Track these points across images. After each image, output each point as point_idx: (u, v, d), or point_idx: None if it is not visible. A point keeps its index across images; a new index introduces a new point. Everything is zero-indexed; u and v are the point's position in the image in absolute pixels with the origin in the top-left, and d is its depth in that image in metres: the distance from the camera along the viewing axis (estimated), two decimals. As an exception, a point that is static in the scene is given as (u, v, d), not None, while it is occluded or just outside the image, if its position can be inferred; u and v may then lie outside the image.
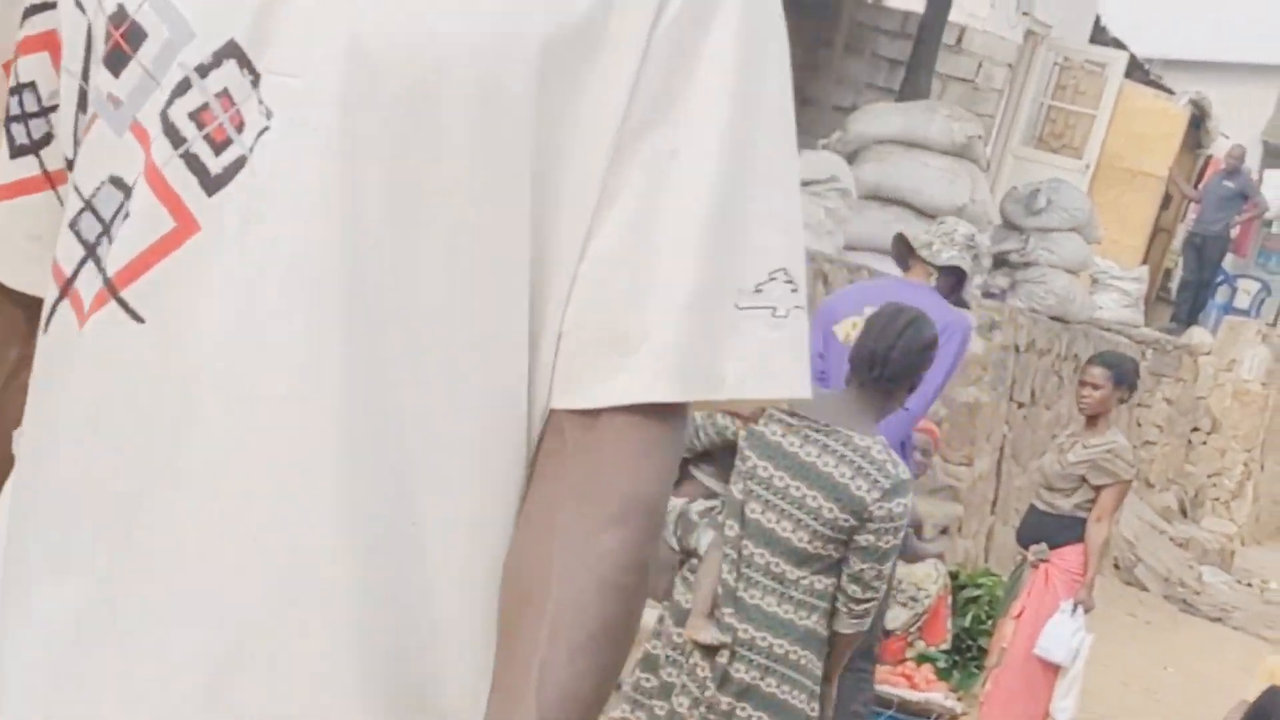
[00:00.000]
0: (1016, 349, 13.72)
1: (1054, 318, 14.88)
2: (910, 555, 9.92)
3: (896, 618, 10.06)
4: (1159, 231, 22.62)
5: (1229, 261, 25.19)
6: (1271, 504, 22.19)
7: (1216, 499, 22.51)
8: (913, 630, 10.08)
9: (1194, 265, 21.89)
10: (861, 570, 5.38)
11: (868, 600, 5.44)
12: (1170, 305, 22.76)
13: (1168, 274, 23.84)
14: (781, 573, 5.39)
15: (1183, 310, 21.80)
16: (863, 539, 5.34)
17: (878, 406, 5.60)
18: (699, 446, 6.28)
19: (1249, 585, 19.57)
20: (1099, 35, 23.40)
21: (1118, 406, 9.27)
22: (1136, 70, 22.95)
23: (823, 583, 5.40)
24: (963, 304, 7.78)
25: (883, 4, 21.68)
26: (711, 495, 6.25)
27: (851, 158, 13.43)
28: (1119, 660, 13.26)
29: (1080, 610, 9.18)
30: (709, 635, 5.45)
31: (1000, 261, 15.04)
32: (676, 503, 6.21)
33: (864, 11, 19.52)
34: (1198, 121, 22.34)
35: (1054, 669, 9.24)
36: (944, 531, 12.28)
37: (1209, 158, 23.51)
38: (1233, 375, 22.64)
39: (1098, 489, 9.04)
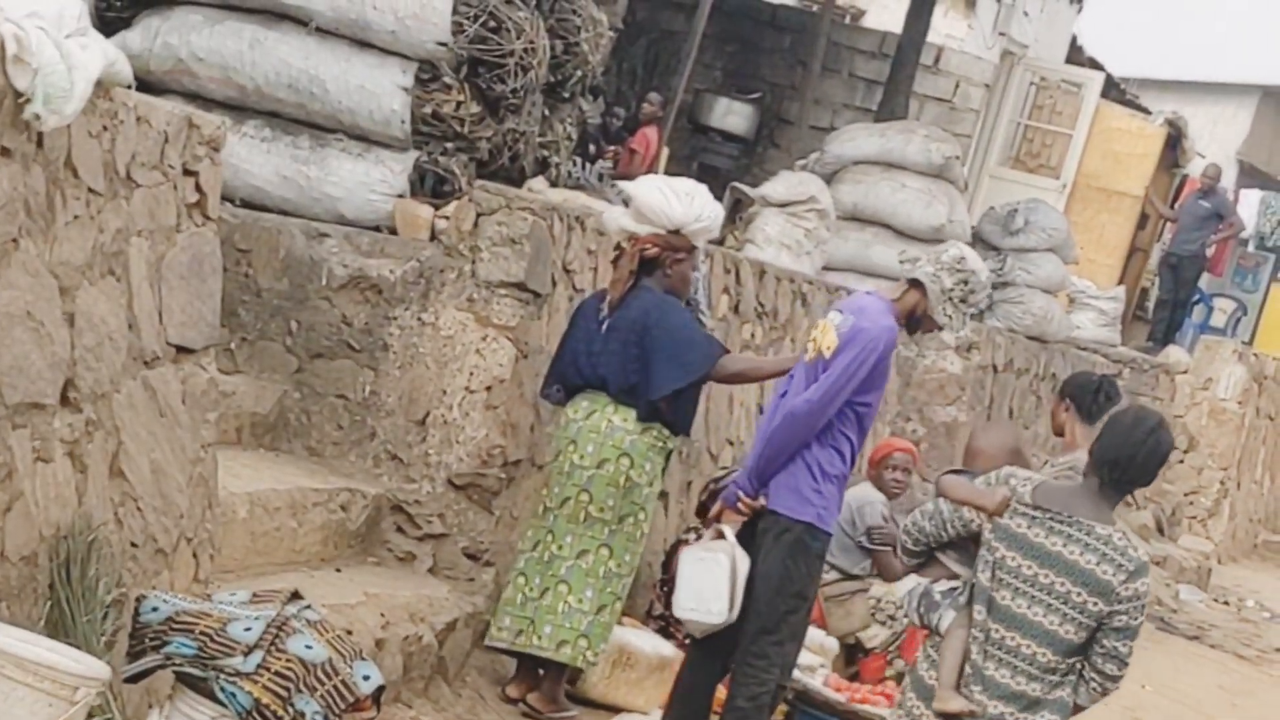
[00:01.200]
0: (994, 368, 13.77)
1: (1031, 337, 14.93)
2: (891, 574, 9.96)
3: (876, 636, 10.09)
4: (1135, 251, 22.67)
5: (1205, 281, 25.25)
6: (1248, 522, 22.23)
7: (1193, 517, 22.54)
8: (892, 649, 10.10)
9: (1170, 285, 21.95)
10: (1115, 647, 5.93)
11: (1120, 675, 6.08)
12: (1147, 324, 22.82)
13: (1144, 293, 23.89)
14: (1031, 654, 5.88)
15: (1159, 329, 21.86)
16: (1117, 620, 5.86)
17: (1113, 501, 6.01)
18: (945, 537, 6.51)
19: (1226, 603, 19.61)
20: (1075, 55, 23.48)
21: (1083, 425, 9.21)
22: (1113, 90, 23.03)
23: (1068, 662, 5.93)
24: (933, 325, 7.73)
25: (860, 25, 21.77)
26: (953, 577, 6.52)
27: (830, 179, 13.47)
28: (1097, 679, 13.28)
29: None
30: (958, 704, 5.88)
31: (978, 281, 15.09)
32: (921, 582, 6.72)
33: (841, 32, 19.59)
34: (1174, 141, 22.40)
35: None
36: (923, 551, 12.31)
37: (1185, 177, 23.57)
38: (1209, 394, 22.69)
39: None
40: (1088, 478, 6.02)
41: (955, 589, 6.45)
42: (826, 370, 7.30)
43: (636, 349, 7.59)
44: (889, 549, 10.23)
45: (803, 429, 7.31)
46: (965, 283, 7.65)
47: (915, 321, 7.60)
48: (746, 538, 7.38)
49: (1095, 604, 5.81)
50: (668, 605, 8.91)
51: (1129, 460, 5.89)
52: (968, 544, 6.34)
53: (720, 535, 7.39)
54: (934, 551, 6.69)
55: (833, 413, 7.36)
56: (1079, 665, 5.97)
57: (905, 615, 10.05)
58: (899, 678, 9.99)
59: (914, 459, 10.97)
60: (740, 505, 7.31)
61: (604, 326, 7.61)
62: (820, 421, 7.35)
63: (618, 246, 7.78)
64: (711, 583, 7.32)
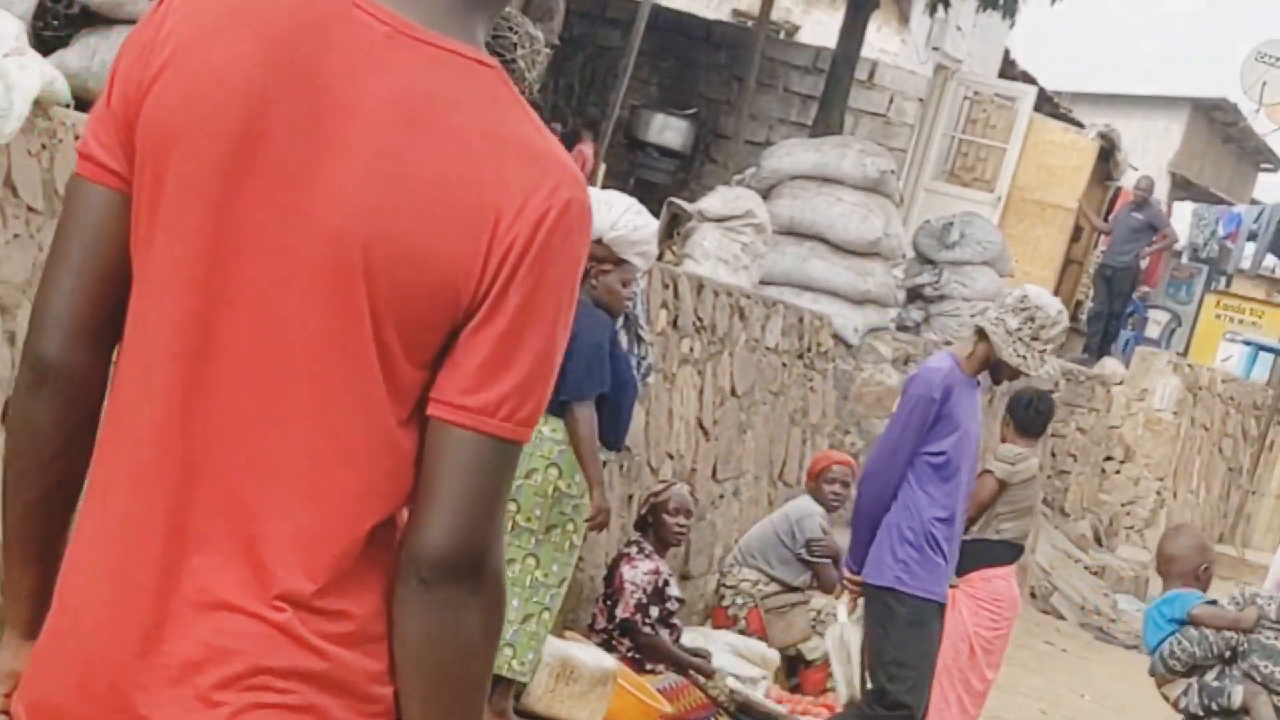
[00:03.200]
0: (931, 381, 13.83)
1: (968, 350, 14.99)
2: (829, 585, 10.01)
3: (817, 648, 10.12)
4: (1070, 263, 22.81)
5: (1139, 292, 25.42)
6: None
7: (1130, 527, 22.68)
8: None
9: (1105, 296, 22.09)
10: None
11: None
12: (1082, 336, 22.96)
13: (1079, 305, 24.03)
14: None
15: (1094, 341, 22.01)
16: None
17: None
18: (1211, 657, 8.24)
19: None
20: (1008, 69, 23.63)
21: (1018, 435, 9.39)
22: (1046, 104, 23.17)
23: None
24: (1003, 367, 7.77)
25: (795, 40, 21.85)
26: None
27: (766, 193, 13.53)
28: (1036, 688, 13.36)
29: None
30: None
31: (914, 295, 15.16)
32: (1190, 682, 8.26)
33: (776, 48, 19.65)
34: (1107, 154, 22.56)
35: (956, 687, 9.32)
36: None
37: (1118, 190, 23.73)
38: (1145, 405, 22.84)
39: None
40: None
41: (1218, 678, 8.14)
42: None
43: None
44: (829, 561, 10.30)
45: (874, 494, 7.42)
46: (1032, 319, 7.65)
47: (995, 370, 7.68)
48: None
49: None
50: (610, 619, 8.94)
51: None
52: None
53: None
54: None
55: (899, 470, 7.43)
56: None
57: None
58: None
59: (853, 471, 11.03)
60: (848, 582, 7.58)
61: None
62: (888, 482, 7.43)
63: None
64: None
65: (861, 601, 7.66)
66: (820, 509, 10.16)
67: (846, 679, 8.14)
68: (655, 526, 9.20)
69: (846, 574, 7.56)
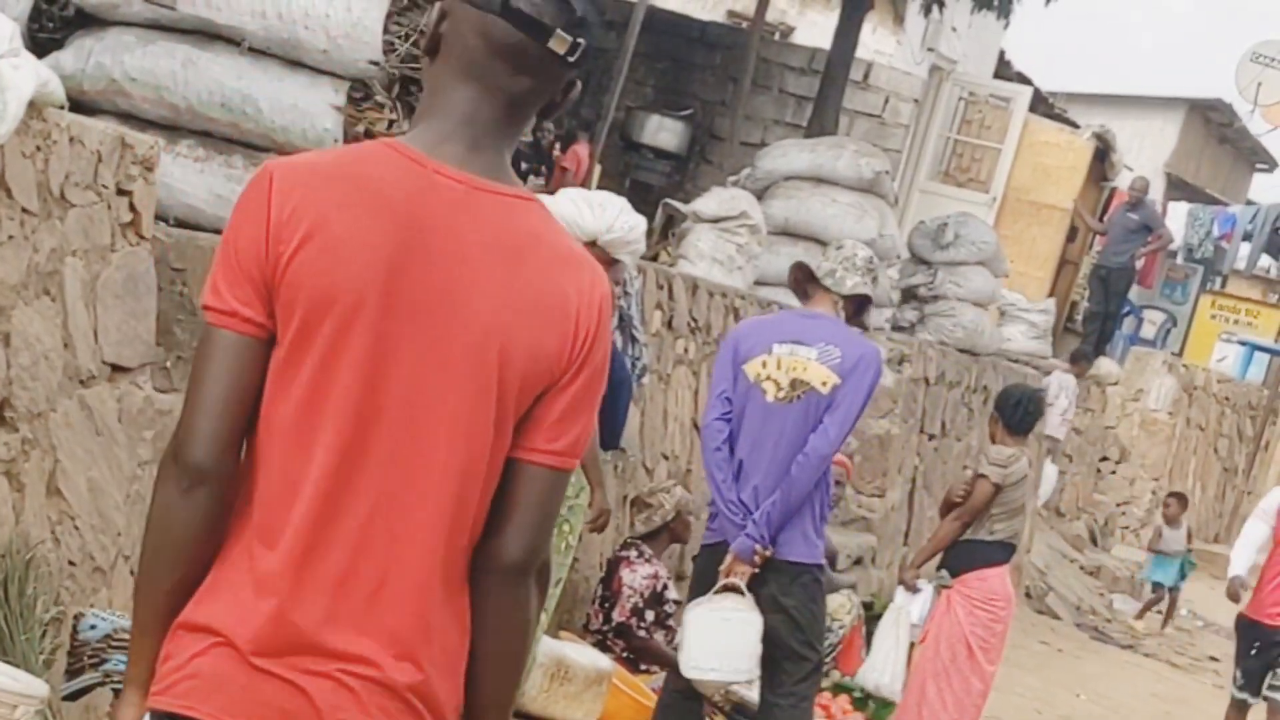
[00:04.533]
0: (926, 381, 13.85)
1: (963, 350, 15.02)
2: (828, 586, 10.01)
3: (813, 649, 10.15)
4: (1065, 264, 22.82)
5: (1135, 293, 25.44)
6: (1147, 544, 22.39)
7: (1126, 527, 22.73)
8: (828, 660, 10.15)
9: (1100, 297, 22.10)
10: None
11: None
12: (1077, 337, 22.97)
13: (1074, 306, 24.04)
14: None
15: (1090, 341, 22.03)
16: None
17: None
18: None
19: (1158, 613, 19.76)
20: (1003, 70, 23.64)
21: (1003, 433, 9.41)
22: (1041, 104, 23.19)
23: None
24: (864, 328, 7.84)
25: (789, 41, 21.87)
26: None
27: (761, 194, 13.53)
28: (1031, 688, 13.38)
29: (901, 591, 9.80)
30: None
31: (909, 295, 15.17)
32: None
33: (771, 49, 19.67)
34: (1102, 154, 22.57)
35: (954, 688, 9.36)
36: (858, 562, 12.37)
37: (1114, 190, 23.74)
38: (1140, 405, 22.89)
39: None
40: None
41: None
42: (834, 407, 7.31)
43: None
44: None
45: (819, 471, 7.36)
46: (877, 279, 7.74)
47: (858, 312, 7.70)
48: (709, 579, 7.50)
49: None
50: (606, 620, 8.95)
51: None
52: None
53: (735, 590, 7.39)
54: None
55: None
56: None
57: (840, 627, 10.15)
58: (835, 689, 10.05)
59: (847, 472, 11.05)
60: (756, 559, 7.33)
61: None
62: (830, 461, 7.43)
63: None
64: (742, 642, 7.37)
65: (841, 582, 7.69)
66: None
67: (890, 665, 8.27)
68: (678, 531, 9.26)
69: (759, 550, 7.39)
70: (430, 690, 2.85)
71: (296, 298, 2.76)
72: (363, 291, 2.76)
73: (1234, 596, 11.29)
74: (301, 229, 2.76)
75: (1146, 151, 32.37)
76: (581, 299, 2.88)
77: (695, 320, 10.63)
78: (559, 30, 2.86)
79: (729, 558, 7.36)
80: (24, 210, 5.09)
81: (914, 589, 9.59)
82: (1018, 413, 9.38)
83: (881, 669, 9.69)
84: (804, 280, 7.66)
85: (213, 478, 2.79)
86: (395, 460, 2.82)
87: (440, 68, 2.91)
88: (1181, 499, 19.42)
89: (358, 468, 2.81)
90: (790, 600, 7.43)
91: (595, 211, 7.40)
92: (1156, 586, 18.92)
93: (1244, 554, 11.38)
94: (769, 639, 7.39)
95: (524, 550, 2.88)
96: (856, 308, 7.62)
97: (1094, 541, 21.64)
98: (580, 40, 2.88)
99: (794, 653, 7.49)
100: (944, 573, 9.42)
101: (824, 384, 7.26)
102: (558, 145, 16.61)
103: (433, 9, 2.91)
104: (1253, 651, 10.99)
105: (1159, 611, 18.84)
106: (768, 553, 7.29)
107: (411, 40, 8.47)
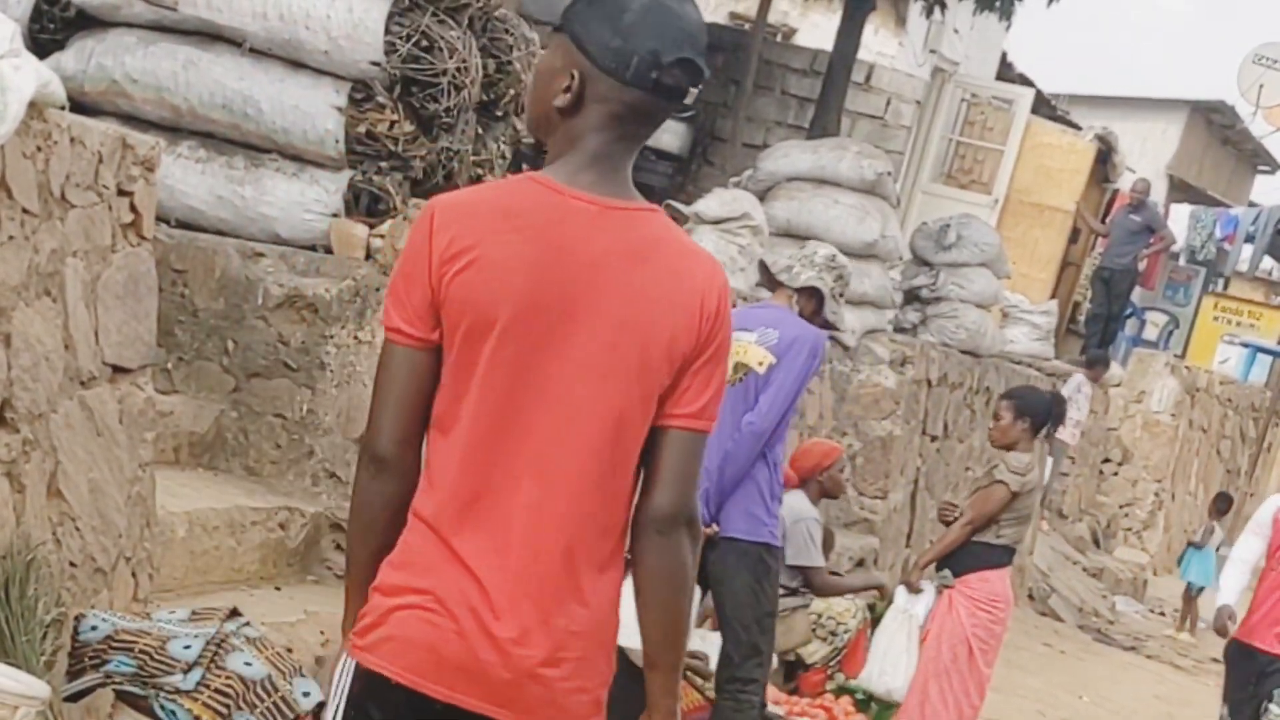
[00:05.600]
0: (928, 383, 13.83)
1: (965, 352, 15.00)
2: (829, 589, 9.98)
3: (816, 652, 10.13)
4: (1067, 265, 22.81)
5: (1137, 294, 25.42)
6: (1182, 533, 22.40)
7: (1128, 529, 22.70)
8: (832, 664, 10.15)
9: (1103, 298, 22.06)
10: None
11: None
12: (1080, 338, 22.95)
13: (1077, 307, 24.03)
14: None
15: (1092, 343, 21.99)
16: None
17: None
18: None
19: (1161, 614, 19.76)
20: (1006, 72, 23.63)
21: (1028, 438, 9.38)
22: (1043, 106, 23.18)
23: None
24: (827, 325, 7.85)
25: (792, 43, 21.85)
26: None
27: (763, 195, 13.51)
28: (1034, 690, 13.37)
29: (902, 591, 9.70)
30: None
31: (911, 297, 15.15)
32: None
33: (773, 50, 19.67)
34: (1104, 156, 22.56)
35: (955, 688, 9.35)
36: (860, 564, 12.36)
37: (1116, 192, 23.72)
38: (1142, 407, 22.87)
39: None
40: None
41: None
42: (768, 385, 7.37)
43: None
44: (820, 568, 10.31)
45: (756, 447, 7.38)
46: (841, 277, 7.79)
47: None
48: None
49: None
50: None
51: None
52: None
53: None
54: None
55: (776, 427, 7.46)
56: None
57: (845, 630, 10.13)
58: (839, 692, 10.04)
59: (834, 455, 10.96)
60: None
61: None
62: (767, 438, 7.43)
63: None
64: None
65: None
66: (813, 511, 10.10)
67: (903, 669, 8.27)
68: None
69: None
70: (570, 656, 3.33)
71: (460, 314, 3.25)
72: (515, 303, 3.24)
73: (1222, 630, 9.70)
74: (460, 256, 3.25)
75: (1149, 153, 32.36)
76: (705, 286, 3.35)
77: (697, 322, 10.61)
78: (689, 89, 3.39)
79: None
80: (25, 211, 5.09)
81: (917, 590, 9.56)
82: (1047, 417, 9.37)
83: (893, 672, 9.65)
84: (765, 277, 7.85)
85: (393, 466, 3.33)
86: (554, 440, 3.29)
87: (578, 122, 3.35)
88: (1228, 499, 19.44)
89: (520, 452, 3.29)
90: (728, 576, 7.48)
91: None
92: (1191, 589, 18.77)
93: (1235, 578, 9.80)
94: (722, 617, 7.54)
95: (672, 504, 3.34)
96: (817, 304, 7.69)
97: (1096, 543, 21.63)
98: (700, 87, 3.41)
99: (732, 632, 7.54)
100: (946, 573, 9.40)
101: (760, 364, 7.40)
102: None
103: (567, 73, 3.33)
104: (1251, 684, 9.30)
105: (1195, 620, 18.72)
106: (711, 530, 7.35)
107: (413, 41, 8.46)
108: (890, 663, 9.66)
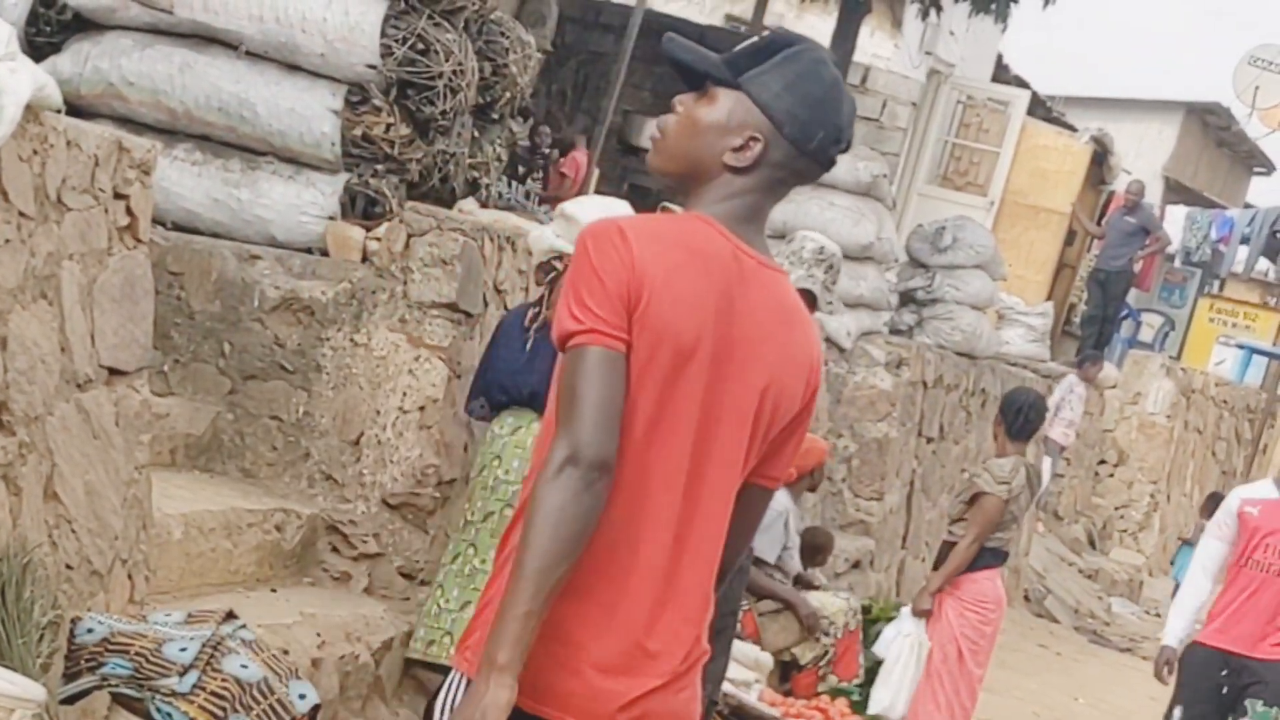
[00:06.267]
0: (924, 385, 13.85)
1: (961, 353, 15.02)
2: (759, 585, 9.95)
3: (806, 652, 10.14)
4: (1063, 267, 22.82)
5: (1133, 296, 25.44)
6: (1178, 535, 22.42)
7: (1124, 531, 22.71)
8: (824, 664, 10.15)
9: (1098, 300, 22.08)
10: None
11: None
12: (1075, 340, 22.97)
13: (1072, 309, 24.04)
14: None
15: (1088, 345, 22.01)
16: None
17: None
18: None
19: (1157, 616, 19.76)
20: (1001, 74, 23.64)
21: (1005, 441, 9.43)
22: (1039, 108, 23.19)
23: None
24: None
25: (788, 45, 21.83)
26: None
27: (759, 197, 13.53)
28: (1030, 691, 13.39)
29: (908, 613, 9.62)
30: None
31: (907, 299, 15.17)
32: None
33: (769, 52, 19.65)
34: (1100, 158, 22.57)
35: (946, 690, 9.37)
36: (855, 565, 12.37)
37: (1111, 193, 23.73)
38: (1138, 409, 22.87)
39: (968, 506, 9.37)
40: None
41: None
42: None
43: None
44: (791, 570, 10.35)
45: None
46: (831, 268, 7.74)
47: None
48: None
49: None
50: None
51: None
52: None
53: None
54: None
55: None
56: None
57: (836, 631, 10.14)
58: (832, 692, 10.06)
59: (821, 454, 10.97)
60: None
61: (530, 344, 7.48)
62: None
63: (541, 266, 7.57)
64: None
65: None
66: (792, 505, 10.11)
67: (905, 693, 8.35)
68: None
69: None
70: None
71: (660, 336, 3.30)
72: (699, 335, 3.33)
73: (1160, 676, 8.94)
74: (652, 282, 3.30)
75: (1144, 155, 32.38)
76: (814, 354, 3.54)
77: (693, 324, 10.61)
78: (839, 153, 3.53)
79: None
80: (21, 214, 5.09)
81: (926, 615, 9.48)
82: (1019, 420, 9.39)
83: (895, 698, 9.63)
84: None
85: (610, 470, 3.24)
86: (717, 480, 3.41)
87: (745, 180, 3.45)
88: (1221, 499, 19.44)
89: (694, 491, 3.39)
90: None
91: (608, 215, 7.40)
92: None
93: (1190, 602, 8.93)
94: None
95: (734, 555, 3.55)
96: (810, 304, 7.66)
97: (1092, 545, 21.64)
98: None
99: None
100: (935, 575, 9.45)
101: None
102: (555, 150, 16.60)
103: (745, 133, 3.48)
104: (1223, 690, 8.46)
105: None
106: None
107: (409, 44, 8.46)
108: (905, 694, 9.60)
